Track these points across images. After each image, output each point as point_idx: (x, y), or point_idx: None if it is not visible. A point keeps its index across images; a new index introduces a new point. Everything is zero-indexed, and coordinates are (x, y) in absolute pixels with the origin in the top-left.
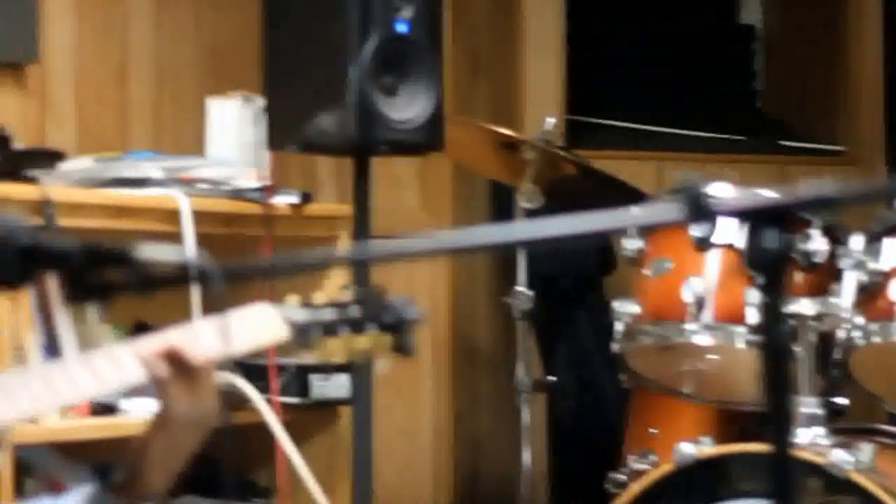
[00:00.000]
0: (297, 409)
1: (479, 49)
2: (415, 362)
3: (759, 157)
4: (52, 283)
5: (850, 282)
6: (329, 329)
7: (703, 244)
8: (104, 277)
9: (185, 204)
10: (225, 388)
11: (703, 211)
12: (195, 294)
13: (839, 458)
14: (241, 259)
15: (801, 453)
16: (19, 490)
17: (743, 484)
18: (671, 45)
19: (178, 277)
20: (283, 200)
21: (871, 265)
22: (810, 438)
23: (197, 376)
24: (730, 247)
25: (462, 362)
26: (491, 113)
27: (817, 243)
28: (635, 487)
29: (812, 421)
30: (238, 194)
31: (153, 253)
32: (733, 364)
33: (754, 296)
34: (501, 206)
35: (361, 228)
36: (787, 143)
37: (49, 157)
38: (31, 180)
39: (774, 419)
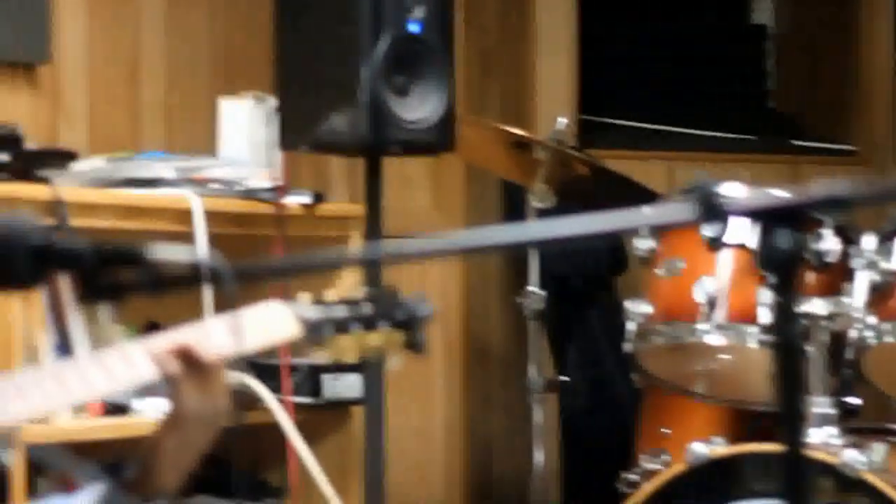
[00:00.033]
0: (309, 409)
1: (490, 49)
2: (427, 362)
3: (770, 157)
4: (65, 284)
5: (863, 281)
6: (341, 326)
7: (715, 244)
8: (116, 277)
9: (196, 204)
10: (237, 387)
11: (715, 211)
12: (207, 294)
13: (851, 457)
14: (253, 259)
15: (814, 453)
16: (31, 489)
17: (755, 484)
18: (683, 44)
19: (190, 277)
20: (295, 200)
21: (884, 265)
22: (823, 438)
23: (208, 374)
24: (742, 246)
25: (474, 362)
26: (503, 113)
27: (829, 243)
28: (647, 487)
29: (824, 421)
30: (250, 194)
31: (165, 253)
32: (745, 364)
33: (766, 295)
34: (513, 206)
35: (373, 228)
36: (799, 143)
37: (61, 158)
38: (43, 180)
39: (787, 419)
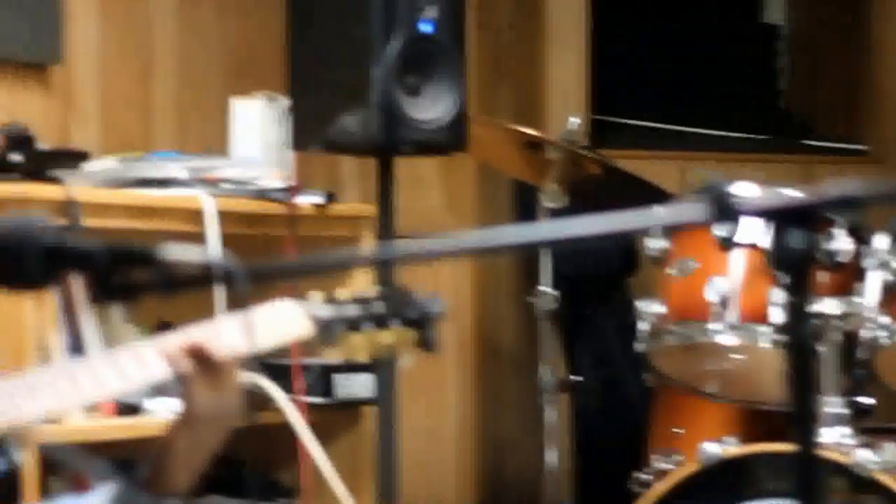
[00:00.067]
0: (321, 409)
1: (502, 49)
2: (439, 362)
3: (782, 157)
4: (77, 284)
5: (875, 281)
6: (353, 325)
7: (728, 244)
8: (128, 278)
9: (209, 204)
10: (249, 387)
11: (727, 211)
12: (219, 294)
13: (864, 457)
14: (265, 259)
15: (826, 453)
16: (44, 489)
17: (767, 484)
18: (694, 44)
19: (202, 278)
20: (307, 200)
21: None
22: (835, 438)
23: (220, 372)
24: (754, 246)
25: (486, 362)
26: (514, 113)
27: (842, 243)
28: (659, 487)
29: (837, 420)
30: (262, 194)
31: (177, 253)
32: (758, 364)
33: (779, 295)
34: (525, 207)
35: (385, 229)
36: (811, 143)
37: (73, 158)
38: (56, 181)
39: (799, 419)
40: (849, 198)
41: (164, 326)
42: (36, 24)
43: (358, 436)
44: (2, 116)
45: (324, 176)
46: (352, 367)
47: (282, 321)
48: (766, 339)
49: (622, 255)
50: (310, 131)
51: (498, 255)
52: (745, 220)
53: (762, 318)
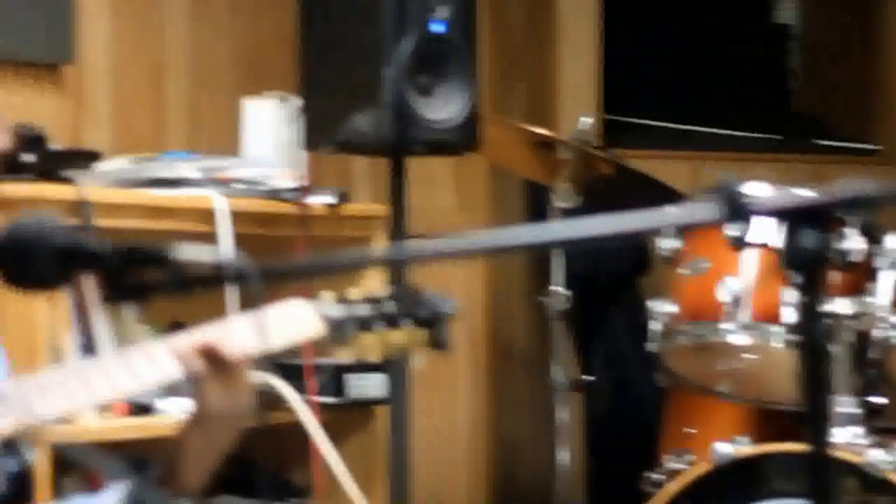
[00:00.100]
0: (333, 409)
1: (514, 48)
2: (451, 362)
3: (794, 157)
4: (89, 284)
5: (887, 281)
6: (364, 324)
7: (740, 244)
8: (141, 278)
9: (221, 204)
10: (261, 387)
11: (739, 210)
12: (231, 294)
13: (876, 457)
14: (277, 259)
15: (839, 453)
16: (56, 488)
17: (780, 484)
18: (706, 44)
19: (215, 278)
20: (319, 200)
21: None
22: (847, 438)
23: (232, 372)
24: (766, 246)
25: (498, 362)
26: (526, 112)
27: (854, 242)
28: (672, 487)
29: (849, 420)
30: (274, 194)
31: (189, 253)
32: (770, 363)
33: (791, 295)
34: (537, 206)
35: (397, 228)
36: (823, 143)
37: (85, 158)
38: (68, 181)
39: (811, 419)
40: (860, 197)
41: (176, 326)
42: (48, 25)
43: (370, 436)
44: (14, 116)
45: (336, 176)
46: (364, 367)
47: (293, 321)
48: (778, 338)
49: (634, 255)
50: (322, 131)
51: (510, 255)
52: (757, 220)
53: (774, 318)
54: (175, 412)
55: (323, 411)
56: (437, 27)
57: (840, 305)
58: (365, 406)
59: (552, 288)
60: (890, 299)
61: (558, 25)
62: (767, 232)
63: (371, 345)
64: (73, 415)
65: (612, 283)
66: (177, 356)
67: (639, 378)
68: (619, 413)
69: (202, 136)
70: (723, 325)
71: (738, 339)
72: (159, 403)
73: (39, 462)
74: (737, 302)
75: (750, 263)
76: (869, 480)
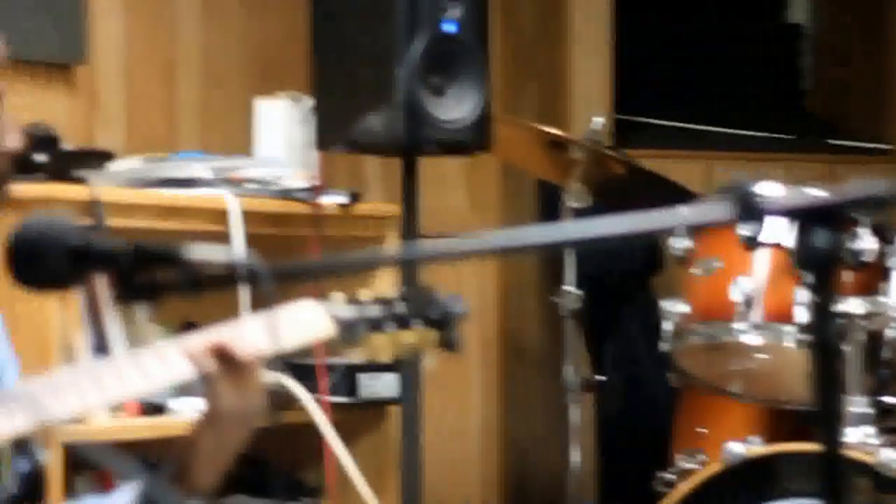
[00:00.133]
0: (345, 409)
1: (526, 48)
2: (463, 362)
3: (806, 156)
4: (102, 284)
5: None
6: (375, 325)
7: (752, 243)
8: (153, 277)
9: (233, 204)
10: (274, 387)
11: (751, 210)
12: (244, 294)
13: (889, 457)
14: (290, 259)
15: (851, 452)
16: (69, 488)
17: (792, 483)
18: (718, 43)
19: (227, 277)
20: (331, 200)
21: None
22: (860, 438)
23: (244, 372)
24: (778, 246)
25: (510, 362)
26: (538, 112)
27: (866, 242)
28: (684, 487)
29: (861, 420)
30: (286, 194)
31: (202, 253)
32: (782, 363)
33: (803, 295)
34: (549, 206)
35: (409, 228)
36: (835, 142)
37: (98, 158)
38: (80, 181)
39: (824, 418)
40: (873, 197)
41: (188, 326)
42: (61, 25)
43: (382, 435)
44: (27, 116)
45: (348, 176)
46: (376, 367)
47: (304, 321)
48: (790, 338)
49: (646, 255)
50: (334, 131)
51: (522, 255)
52: (769, 220)
53: (787, 318)
54: (187, 412)
55: (335, 411)
56: (449, 27)
57: (852, 305)
58: (377, 406)
59: (564, 288)
60: None
61: (570, 25)
62: (780, 232)
63: (382, 345)
64: (85, 415)
65: (625, 282)
66: (189, 356)
67: (651, 378)
68: (632, 413)
69: (214, 136)
70: (735, 325)
71: (751, 338)
72: (172, 403)
73: (52, 462)
74: (749, 302)
75: (762, 263)
76: (881, 480)
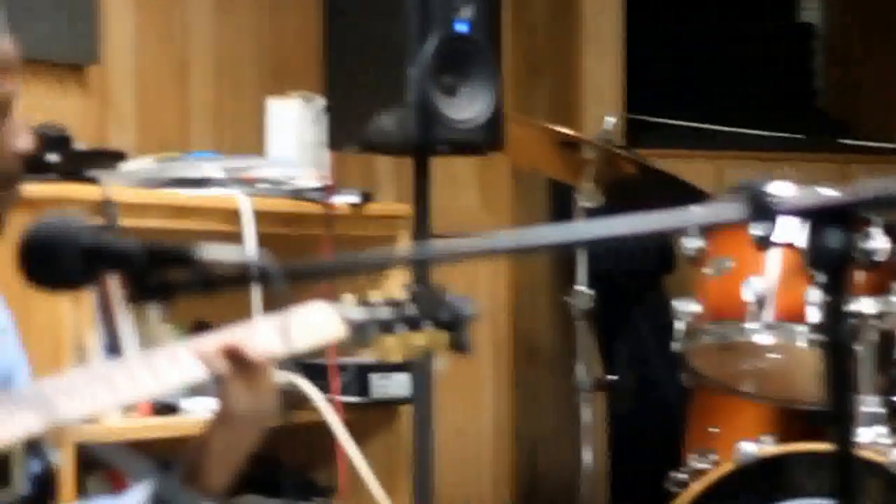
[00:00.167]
0: (357, 409)
1: (538, 48)
2: (474, 362)
3: (819, 156)
4: (114, 283)
5: None
6: (386, 327)
7: (764, 243)
8: (165, 277)
9: (245, 204)
10: (286, 387)
11: (763, 210)
12: (256, 294)
13: None
14: (302, 259)
15: (863, 452)
16: (81, 488)
17: (804, 483)
18: (730, 44)
19: (239, 277)
20: (343, 200)
21: None
22: (872, 437)
23: (256, 373)
24: (790, 246)
25: (522, 362)
26: (550, 112)
27: (878, 242)
28: (696, 487)
29: (873, 420)
30: (298, 194)
31: (214, 253)
32: (794, 363)
33: (815, 295)
34: (561, 206)
35: (421, 228)
36: (847, 142)
37: (110, 158)
38: (93, 181)
39: (836, 418)
40: (885, 197)
41: (201, 326)
42: (73, 25)
43: (394, 435)
44: (39, 117)
45: (360, 175)
46: (388, 367)
47: (315, 323)
48: (802, 338)
49: (658, 255)
50: (346, 131)
51: (534, 255)
52: (781, 220)
53: (799, 318)
54: (200, 411)
55: (347, 411)
56: (461, 27)
57: (864, 305)
58: (389, 405)
59: (576, 287)
60: None
61: (582, 25)
62: (792, 231)
63: (393, 347)
64: (97, 416)
65: (636, 282)
66: (201, 357)
67: (663, 378)
68: (643, 412)
69: (226, 136)
70: (747, 325)
71: (763, 338)
72: (184, 403)
73: (64, 462)
74: (761, 301)
75: (774, 263)
76: (893, 480)
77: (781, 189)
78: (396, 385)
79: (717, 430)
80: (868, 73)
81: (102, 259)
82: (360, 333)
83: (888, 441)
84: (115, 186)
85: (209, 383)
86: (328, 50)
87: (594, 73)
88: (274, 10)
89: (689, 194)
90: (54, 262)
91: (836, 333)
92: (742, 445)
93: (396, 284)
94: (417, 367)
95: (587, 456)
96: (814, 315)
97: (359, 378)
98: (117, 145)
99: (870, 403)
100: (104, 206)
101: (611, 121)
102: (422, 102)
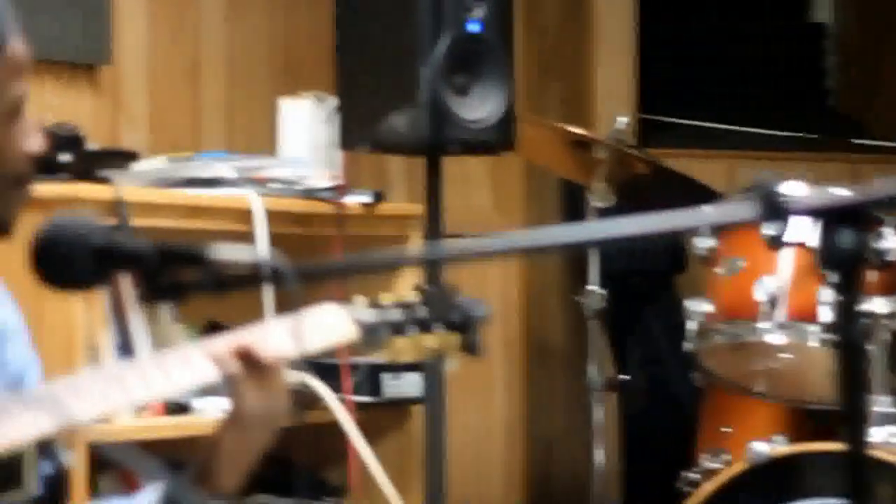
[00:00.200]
0: (369, 408)
1: (550, 48)
2: (487, 361)
3: (831, 156)
4: (126, 283)
5: None
6: (397, 329)
7: (776, 243)
8: (177, 277)
9: (257, 204)
10: (298, 386)
11: (775, 210)
12: (268, 294)
13: None
14: (314, 259)
15: (875, 452)
16: (93, 489)
17: (816, 483)
18: (742, 43)
19: (251, 277)
20: (355, 200)
21: None
22: (884, 437)
23: (268, 375)
24: (802, 245)
25: (534, 361)
26: (562, 112)
27: (891, 242)
28: (708, 486)
29: (886, 420)
30: (310, 194)
31: (226, 253)
32: (806, 363)
33: (828, 294)
34: (573, 206)
35: (433, 228)
36: (860, 142)
37: (122, 158)
38: (105, 181)
39: (848, 418)
40: None
41: (213, 326)
42: (85, 25)
43: (406, 435)
44: (51, 117)
45: (372, 175)
46: (400, 367)
47: (327, 325)
48: (814, 338)
49: (670, 255)
50: (358, 131)
51: (546, 255)
52: (793, 219)
53: (811, 317)
54: (212, 411)
55: (359, 410)
56: (473, 27)
57: (877, 305)
58: (401, 405)
59: (588, 287)
60: None
61: (594, 25)
62: (804, 231)
63: (404, 349)
64: (108, 417)
65: (648, 282)
66: (213, 358)
67: (675, 377)
68: (655, 412)
69: (238, 136)
70: (759, 325)
71: (775, 338)
72: (196, 402)
73: (76, 462)
74: (773, 301)
75: (786, 263)
76: None
77: (793, 189)
78: (408, 385)
79: (729, 429)
80: (880, 72)
81: (114, 259)
82: (372, 335)
83: None
84: (127, 186)
85: (221, 385)
86: (340, 50)
87: (606, 72)
88: (286, 10)
89: (701, 194)
90: (66, 262)
91: (849, 333)
92: (754, 445)
93: (408, 284)
94: (429, 366)
95: (599, 456)
96: (826, 315)
97: (371, 378)
98: (129, 145)
99: (882, 403)
100: (116, 206)
101: (623, 120)
102: (434, 102)
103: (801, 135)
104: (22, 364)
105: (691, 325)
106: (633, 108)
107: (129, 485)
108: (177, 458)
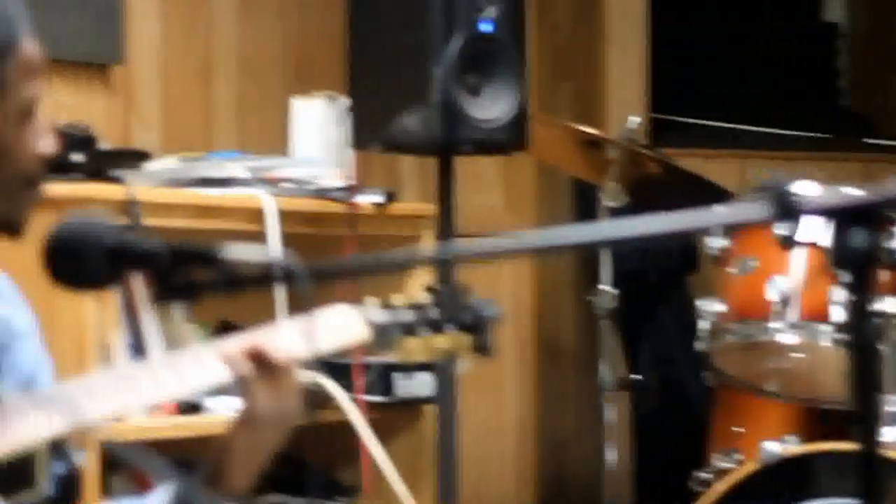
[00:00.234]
0: (381, 408)
1: (562, 48)
2: (499, 361)
3: (844, 156)
4: (139, 283)
5: None
6: (409, 329)
7: (788, 242)
8: (190, 277)
9: (269, 203)
10: (310, 386)
11: (788, 209)
12: (280, 294)
13: None
14: (326, 258)
15: (888, 452)
16: (105, 489)
17: (829, 483)
18: (754, 43)
19: (263, 277)
20: (367, 200)
21: None
22: None
23: (280, 375)
24: (814, 245)
25: (546, 361)
26: (574, 112)
27: None
28: (720, 486)
29: None
30: (322, 194)
31: (238, 253)
32: (819, 362)
33: (840, 294)
34: (585, 205)
35: (445, 228)
36: (872, 141)
37: (134, 157)
38: (117, 180)
39: (861, 418)
40: None
41: (225, 326)
42: (98, 25)
43: (418, 434)
44: (64, 116)
45: (384, 175)
46: (412, 367)
47: (339, 325)
48: (827, 337)
49: (682, 254)
50: (370, 130)
51: (558, 254)
52: (805, 219)
53: (823, 317)
54: (224, 411)
55: (371, 410)
56: (486, 26)
57: (889, 304)
58: (413, 405)
59: (600, 287)
60: None
61: (606, 24)
62: (816, 231)
63: (416, 349)
64: (121, 417)
65: (661, 282)
66: (225, 359)
67: (687, 377)
68: (667, 412)
69: (251, 136)
70: (771, 325)
71: (787, 338)
72: (208, 402)
73: (88, 462)
74: (785, 301)
75: (799, 262)
76: None
77: (806, 188)
78: (420, 385)
79: (741, 429)
80: (893, 72)
81: (127, 259)
82: (383, 336)
83: None
84: (140, 186)
85: (233, 385)
86: (352, 49)
87: (618, 72)
88: (298, 9)
89: (713, 194)
90: (79, 262)
91: (861, 333)
92: (766, 445)
93: (420, 284)
94: (441, 366)
95: (611, 455)
96: (838, 314)
97: (383, 377)
98: (141, 145)
99: (894, 403)
100: (128, 206)
101: (635, 120)
102: (446, 102)
103: (813, 134)
104: (34, 364)
105: (703, 325)
106: (644, 107)
107: (142, 485)
108: (189, 457)
